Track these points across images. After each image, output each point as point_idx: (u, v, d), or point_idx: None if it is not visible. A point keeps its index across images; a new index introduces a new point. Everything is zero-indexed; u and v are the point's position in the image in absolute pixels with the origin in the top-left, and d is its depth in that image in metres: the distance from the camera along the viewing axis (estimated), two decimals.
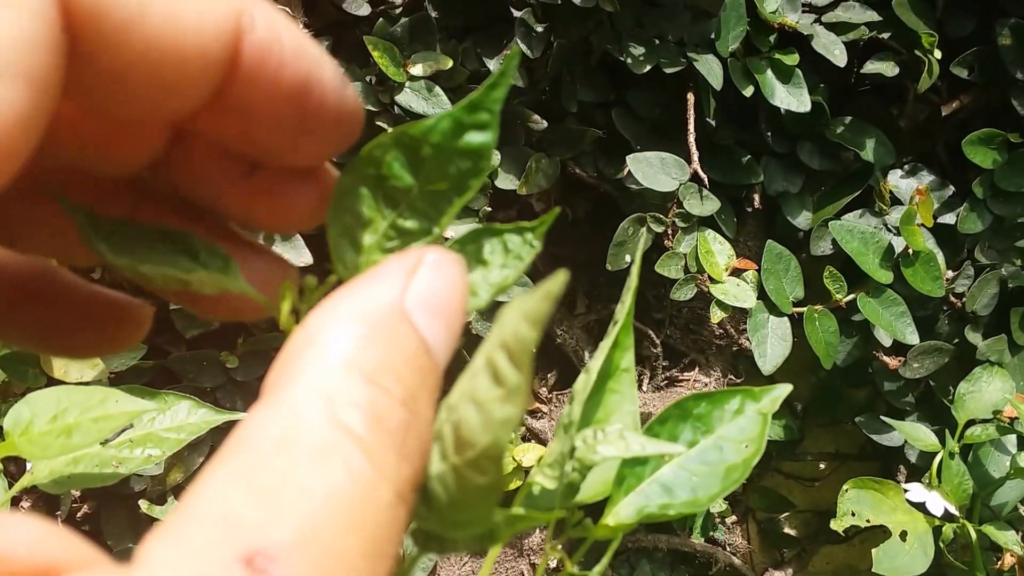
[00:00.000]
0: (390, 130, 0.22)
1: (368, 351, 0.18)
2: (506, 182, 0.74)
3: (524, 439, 0.86)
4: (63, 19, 0.16)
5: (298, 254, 0.72)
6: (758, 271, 0.79)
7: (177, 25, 0.17)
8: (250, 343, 0.80)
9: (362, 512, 0.16)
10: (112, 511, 0.78)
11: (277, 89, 0.19)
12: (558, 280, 0.18)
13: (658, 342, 0.85)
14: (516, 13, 0.71)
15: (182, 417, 0.56)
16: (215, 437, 0.77)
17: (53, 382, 0.67)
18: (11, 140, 0.15)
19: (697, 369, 0.87)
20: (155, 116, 0.19)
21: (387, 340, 0.18)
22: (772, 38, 0.76)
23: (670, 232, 0.77)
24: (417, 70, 0.66)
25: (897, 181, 0.85)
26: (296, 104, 0.20)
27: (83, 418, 0.50)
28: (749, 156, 0.80)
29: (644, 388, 0.85)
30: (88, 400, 0.51)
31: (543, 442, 0.84)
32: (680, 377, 0.87)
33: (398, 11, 0.71)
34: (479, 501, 0.19)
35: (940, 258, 0.82)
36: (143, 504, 0.77)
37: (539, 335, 0.18)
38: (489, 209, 0.75)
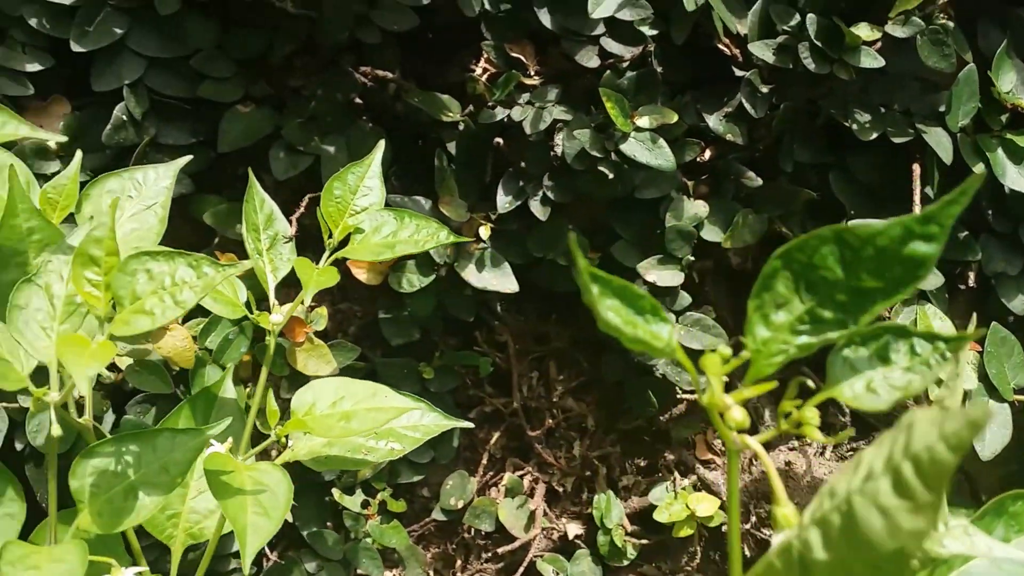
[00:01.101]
0: (831, 226, 0.23)
1: None
2: (711, 234, 0.76)
3: (696, 488, 0.86)
4: None
5: (506, 281, 0.77)
6: (980, 353, 0.76)
7: None
8: (444, 357, 0.85)
9: None
10: (305, 496, 0.84)
11: None
12: (985, 409, 0.19)
13: (847, 411, 0.83)
14: (739, 73, 0.73)
15: (416, 418, 0.60)
16: None
17: (294, 372, 0.74)
18: None
19: None
20: None
21: None
22: (1004, 117, 0.74)
23: None
24: (643, 122, 0.69)
25: None
26: None
27: (358, 407, 0.57)
28: (967, 232, 0.78)
29: (827, 455, 0.84)
30: (360, 392, 0.58)
31: (715, 494, 0.84)
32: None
33: (625, 64, 0.74)
34: None
35: None
36: (335, 492, 0.83)
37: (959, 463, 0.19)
38: (692, 258, 0.76)
